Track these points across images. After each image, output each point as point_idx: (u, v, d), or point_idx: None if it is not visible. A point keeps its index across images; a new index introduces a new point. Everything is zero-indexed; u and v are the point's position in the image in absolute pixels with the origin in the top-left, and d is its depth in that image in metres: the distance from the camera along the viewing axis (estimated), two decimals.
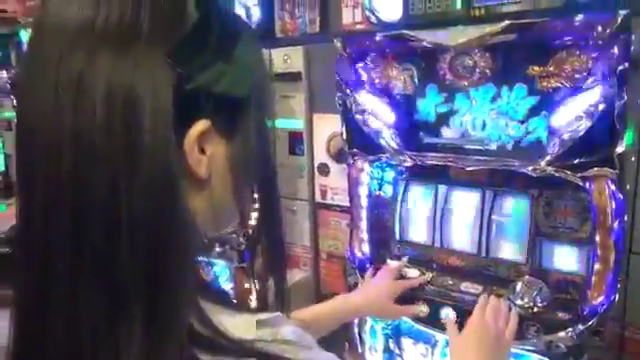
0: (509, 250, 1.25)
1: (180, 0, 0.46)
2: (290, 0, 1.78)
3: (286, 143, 1.81)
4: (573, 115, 1.03)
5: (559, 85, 1.05)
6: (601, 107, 0.99)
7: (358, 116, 1.36)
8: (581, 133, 1.02)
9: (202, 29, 0.46)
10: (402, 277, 1.30)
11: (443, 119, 1.25)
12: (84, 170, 0.42)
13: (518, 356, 1.13)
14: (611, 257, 1.03)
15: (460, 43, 1.14)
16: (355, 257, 1.46)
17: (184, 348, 0.43)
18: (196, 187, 0.49)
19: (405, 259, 1.37)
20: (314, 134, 1.76)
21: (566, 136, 1.05)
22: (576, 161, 1.04)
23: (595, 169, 1.02)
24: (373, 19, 1.28)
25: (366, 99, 1.35)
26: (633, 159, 1.07)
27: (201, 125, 0.46)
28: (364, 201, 1.45)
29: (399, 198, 1.43)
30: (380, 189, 1.46)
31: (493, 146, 1.19)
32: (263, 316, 0.49)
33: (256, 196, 0.59)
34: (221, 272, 1.84)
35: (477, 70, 1.15)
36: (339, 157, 1.67)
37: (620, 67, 0.95)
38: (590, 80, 0.99)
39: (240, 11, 1.78)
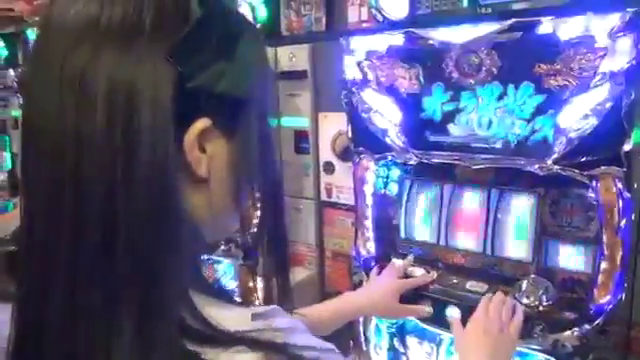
0: (515, 249, 1.24)
1: (182, 3, 0.46)
2: None
3: (292, 141, 1.81)
4: (580, 113, 1.03)
5: (566, 83, 1.04)
6: (608, 105, 0.98)
7: (364, 114, 1.36)
8: (588, 131, 1.02)
9: (204, 27, 0.46)
10: (407, 276, 1.30)
11: (449, 117, 1.24)
12: (84, 164, 0.42)
13: (524, 355, 1.13)
14: (618, 256, 1.02)
15: (466, 41, 1.14)
16: (360, 255, 1.46)
17: (174, 340, 0.43)
18: (195, 186, 0.49)
19: (411, 257, 1.36)
20: (320, 132, 1.76)
21: (573, 134, 1.04)
22: (583, 159, 1.04)
23: (602, 167, 1.02)
24: (379, 17, 1.28)
25: (372, 97, 1.35)
26: None
27: (201, 123, 0.46)
28: (369, 200, 1.45)
29: (404, 197, 1.43)
30: (385, 188, 1.46)
31: (499, 144, 1.18)
32: (259, 309, 0.49)
33: (258, 196, 0.58)
34: (226, 270, 1.84)
35: (483, 68, 1.15)
36: (344, 155, 1.66)
37: (628, 65, 0.95)
38: (597, 78, 0.99)
39: (246, 9, 1.79)
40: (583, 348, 1.05)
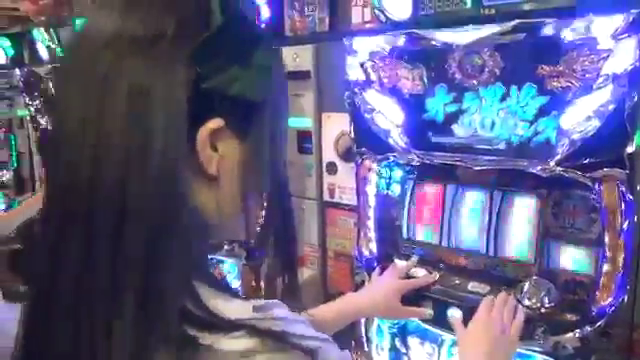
0: (517, 250, 1.24)
1: (205, 7, 0.49)
2: None
3: (295, 141, 1.81)
4: (583, 115, 1.03)
5: (569, 85, 1.04)
6: (611, 107, 0.98)
7: (367, 115, 1.36)
8: (591, 133, 1.02)
9: (224, 33, 0.49)
10: (409, 276, 1.30)
11: (452, 118, 1.24)
12: (101, 158, 0.45)
13: (525, 357, 1.12)
14: (620, 258, 1.02)
15: (469, 42, 1.14)
16: (362, 256, 1.46)
17: (173, 325, 0.45)
18: (205, 184, 0.51)
19: (415, 258, 1.36)
20: (323, 133, 1.76)
21: (576, 136, 1.04)
22: (585, 161, 1.03)
23: (605, 169, 1.01)
24: (382, 18, 1.27)
25: (375, 98, 1.35)
26: None
27: (214, 123, 0.49)
28: (372, 200, 1.45)
29: (407, 197, 1.43)
30: (388, 188, 1.46)
31: (502, 146, 1.18)
32: (261, 302, 0.50)
33: (265, 197, 0.59)
34: (229, 269, 1.85)
35: (486, 69, 1.15)
36: (347, 156, 1.66)
37: (631, 67, 0.94)
38: (600, 80, 0.99)
39: (250, 9, 1.79)
40: (584, 350, 1.05)
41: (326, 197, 1.80)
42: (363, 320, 1.42)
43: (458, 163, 1.26)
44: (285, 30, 1.85)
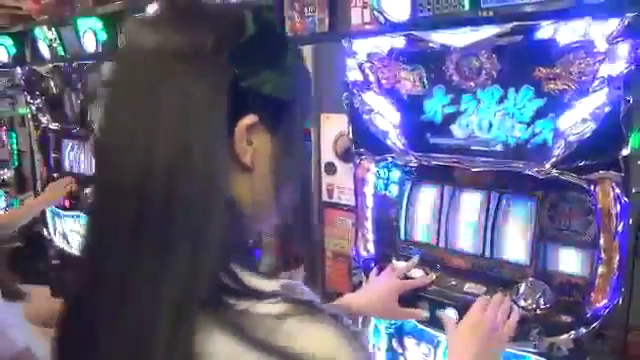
0: (513, 252, 1.25)
1: (240, 20, 0.56)
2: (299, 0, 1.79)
3: None
4: (579, 117, 1.03)
5: (566, 87, 1.05)
6: (607, 110, 0.99)
7: (365, 116, 1.37)
8: (587, 135, 1.03)
9: (256, 41, 0.56)
10: (406, 277, 1.30)
11: (449, 120, 1.25)
12: (152, 151, 0.50)
13: (520, 358, 1.13)
14: (615, 260, 1.03)
15: (467, 44, 1.14)
16: (360, 256, 1.47)
17: (213, 295, 0.50)
18: (241, 175, 0.57)
19: (416, 259, 1.35)
20: (321, 133, 1.76)
21: (572, 138, 1.05)
22: (581, 163, 1.04)
23: (600, 172, 1.02)
24: (381, 19, 1.28)
25: (373, 99, 1.35)
26: (639, 162, 1.07)
27: (249, 119, 0.55)
28: (370, 201, 1.46)
29: (405, 198, 1.44)
30: (386, 189, 1.46)
31: (499, 147, 1.19)
32: (287, 281, 0.56)
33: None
34: None
35: (484, 71, 1.16)
36: (346, 156, 1.67)
37: (626, 70, 0.95)
38: (597, 82, 0.99)
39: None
40: (579, 352, 1.05)
41: (325, 197, 1.80)
42: (360, 320, 1.42)
43: (455, 165, 1.27)
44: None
